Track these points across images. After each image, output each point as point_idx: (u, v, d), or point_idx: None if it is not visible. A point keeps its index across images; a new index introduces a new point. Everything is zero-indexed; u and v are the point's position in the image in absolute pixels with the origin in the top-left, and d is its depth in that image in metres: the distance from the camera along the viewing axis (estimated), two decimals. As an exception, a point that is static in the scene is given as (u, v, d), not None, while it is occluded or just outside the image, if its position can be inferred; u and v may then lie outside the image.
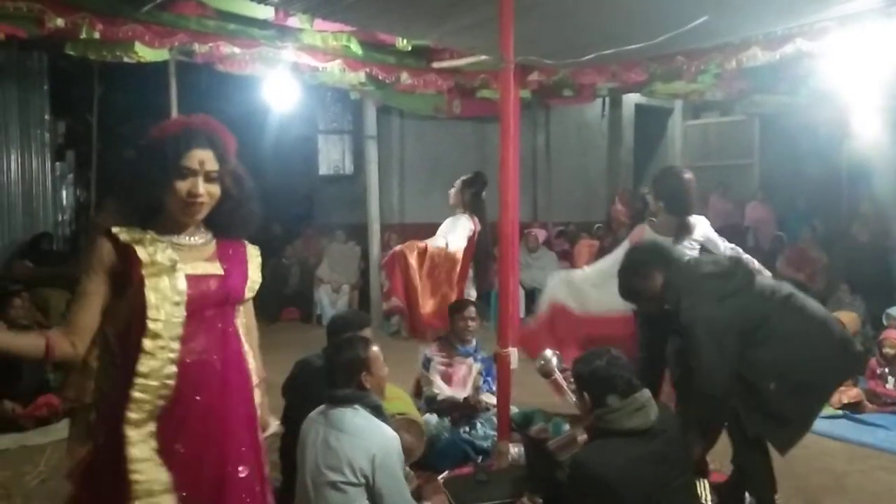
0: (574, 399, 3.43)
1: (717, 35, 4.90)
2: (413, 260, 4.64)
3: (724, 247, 4.12)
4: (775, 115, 9.73)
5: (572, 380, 3.63)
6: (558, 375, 3.85)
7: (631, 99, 10.93)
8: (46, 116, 8.42)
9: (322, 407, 2.76)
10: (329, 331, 3.51)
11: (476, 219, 4.90)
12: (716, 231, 4.22)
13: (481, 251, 4.92)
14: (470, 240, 4.83)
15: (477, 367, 4.46)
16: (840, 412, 4.91)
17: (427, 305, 4.67)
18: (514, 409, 4.07)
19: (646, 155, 12.17)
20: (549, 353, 4.00)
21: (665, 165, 12.14)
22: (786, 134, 9.82)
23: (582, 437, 2.93)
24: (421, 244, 4.75)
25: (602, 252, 8.66)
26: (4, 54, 7.63)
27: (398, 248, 4.77)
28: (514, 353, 3.63)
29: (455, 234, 4.81)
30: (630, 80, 6.20)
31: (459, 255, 4.78)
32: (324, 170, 10.62)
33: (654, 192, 4.21)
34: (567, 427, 3.86)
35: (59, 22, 4.47)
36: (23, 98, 8.15)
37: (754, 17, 4.40)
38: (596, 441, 2.64)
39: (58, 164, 8.84)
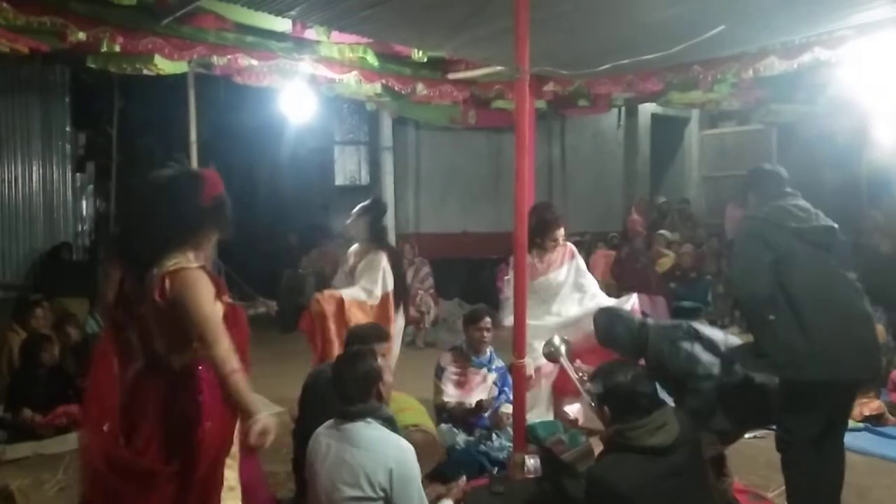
0: (582, 390, 3.43)
1: (734, 44, 4.88)
2: (331, 317, 4.30)
3: None
4: (793, 125, 9.64)
5: (584, 376, 3.64)
6: (564, 361, 3.83)
7: (647, 108, 10.90)
8: (68, 128, 8.55)
9: (330, 422, 2.73)
10: (349, 343, 3.51)
11: (387, 252, 4.56)
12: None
13: (397, 283, 4.57)
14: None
15: (491, 377, 4.43)
16: (861, 425, 4.83)
17: None
18: (530, 420, 4.05)
19: (662, 164, 12.13)
20: (557, 339, 3.97)
21: (681, 175, 12.17)
22: (804, 143, 9.73)
23: (598, 448, 2.91)
24: (336, 295, 4.37)
25: (618, 262, 8.63)
26: (28, 68, 7.77)
27: (315, 307, 4.39)
28: (530, 363, 3.61)
29: (377, 280, 4.41)
30: (646, 89, 6.19)
31: (390, 303, 4.44)
32: (340, 180, 10.69)
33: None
34: (584, 438, 3.83)
35: (81, 35, 4.55)
36: (45, 110, 8.29)
37: (771, 27, 4.38)
38: (613, 455, 2.61)
39: (78, 175, 8.96)
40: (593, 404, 2.78)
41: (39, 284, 7.60)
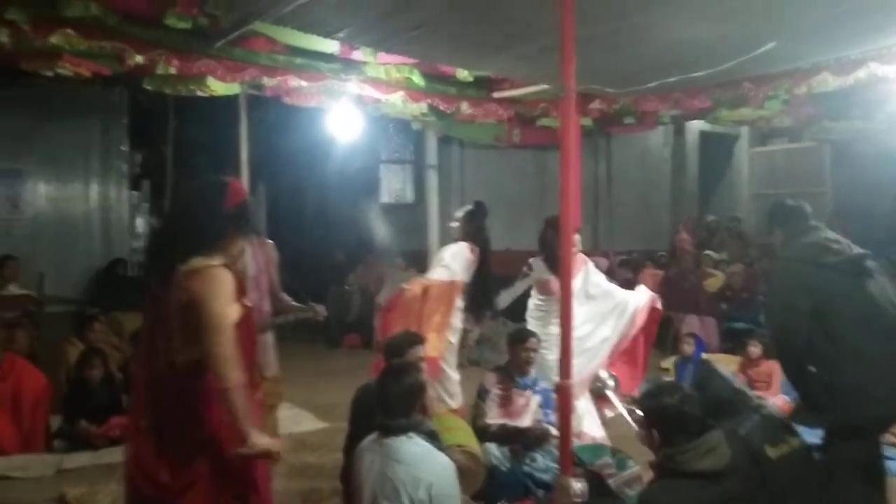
0: (631, 422, 3.35)
1: (786, 61, 4.79)
2: (417, 299, 4.41)
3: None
4: (847, 142, 9.38)
5: (632, 407, 3.55)
6: (611, 395, 3.78)
7: (695, 126, 10.75)
8: (125, 148, 8.85)
9: (374, 436, 2.74)
10: (387, 354, 3.53)
11: (476, 249, 4.63)
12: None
13: (479, 281, 4.65)
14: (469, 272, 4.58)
15: (536, 398, 4.38)
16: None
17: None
18: (576, 443, 3.99)
19: (711, 182, 11.91)
20: (604, 373, 3.95)
21: (730, 193, 11.92)
22: (860, 161, 9.45)
23: (648, 474, 2.84)
24: (424, 282, 4.50)
25: (667, 281, 8.48)
26: (89, 90, 8.07)
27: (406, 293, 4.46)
28: (577, 384, 3.56)
29: (456, 263, 4.54)
30: (694, 107, 6.11)
31: (460, 287, 4.52)
32: (385, 198, 10.80)
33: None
34: (632, 463, 3.76)
35: (139, 59, 4.73)
36: (104, 131, 8.60)
37: (825, 42, 4.29)
38: (663, 481, 2.55)
39: (134, 193, 9.25)
40: (642, 433, 2.71)
41: (96, 299, 7.84)
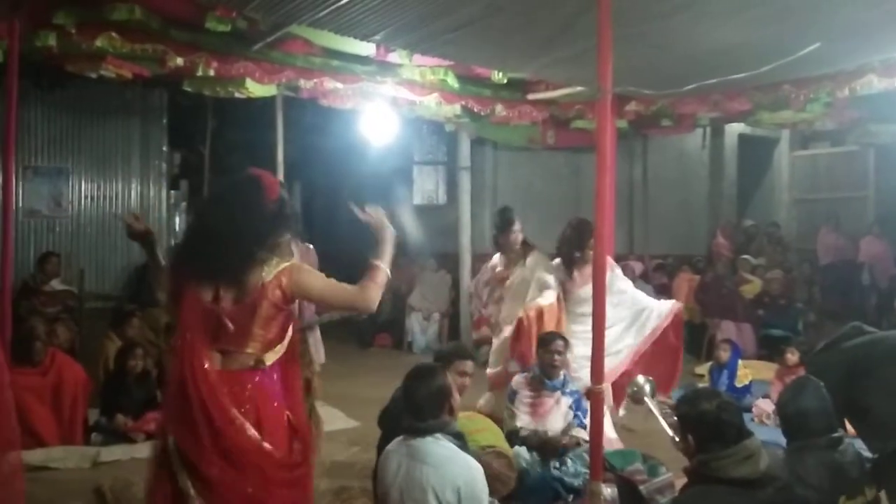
0: (667, 428, 3.30)
1: (831, 62, 4.68)
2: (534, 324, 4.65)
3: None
4: (893, 145, 9.12)
5: (668, 410, 3.50)
6: (650, 402, 3.72)
7: (734, 128, 10.55)
8: (164, 148, 9.02)
9: (401, 437, 2.74)
10: (435, 359, 3.52)
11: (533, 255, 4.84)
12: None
13: None
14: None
15: (566, 401, 4.35)
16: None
17: None
18: (607, 448, 3.94)
19: (750, 186, 11.68)
20: (641, 379, 3.89)
21: (770, 198, 11.69)
22: (906, 165, 9.20)
23: (680, 481, 2.79)
24: (538, 307, 4.68)
25: (703, 287, 8.35)
26: (130, 91, 8.27)
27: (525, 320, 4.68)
28: (608, 389, 3.52)
29: (551, 280, 4.75)
30: (733, 109, 6.01)
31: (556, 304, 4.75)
32: (418, 200, 10.82)
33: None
34: (664, 469, 3.70)
35: (179, 61, 4.82)
36: (144, 131, 8.79)
37: (871, 43, 4.18)
38: (697, 487, 2.50)
39: (173, 192, 9.43)
40: (677, 438, 2.66)
41: (134, 295, 7.99)
